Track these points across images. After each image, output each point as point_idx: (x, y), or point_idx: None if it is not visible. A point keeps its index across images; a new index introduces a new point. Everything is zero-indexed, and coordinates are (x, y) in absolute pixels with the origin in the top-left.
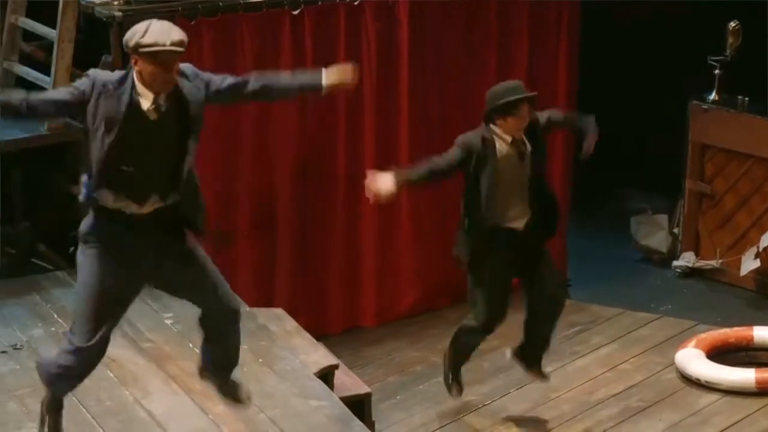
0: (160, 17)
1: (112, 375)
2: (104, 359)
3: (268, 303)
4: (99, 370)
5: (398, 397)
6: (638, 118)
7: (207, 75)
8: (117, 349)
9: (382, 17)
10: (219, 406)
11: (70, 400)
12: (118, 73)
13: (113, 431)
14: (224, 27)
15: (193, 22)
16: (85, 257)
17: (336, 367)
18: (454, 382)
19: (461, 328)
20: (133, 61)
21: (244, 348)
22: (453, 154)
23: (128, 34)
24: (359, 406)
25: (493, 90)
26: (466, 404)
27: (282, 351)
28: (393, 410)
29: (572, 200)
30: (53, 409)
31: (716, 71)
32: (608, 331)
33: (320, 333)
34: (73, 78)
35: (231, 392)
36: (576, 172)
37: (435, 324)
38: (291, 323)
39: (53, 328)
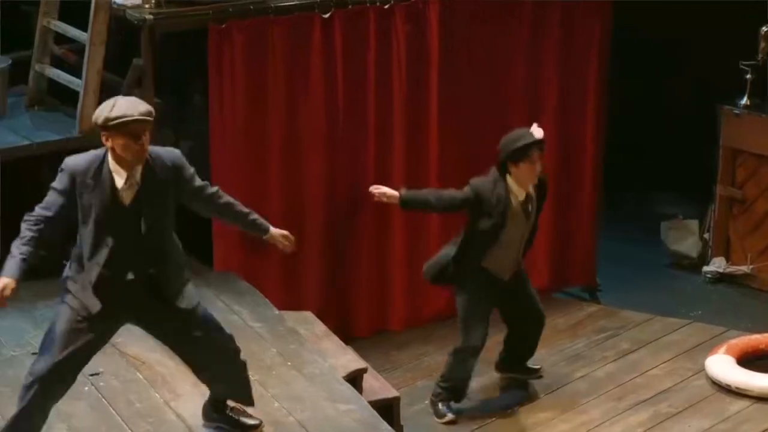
0: (191, 20)
1: (141, 377)
2: (134, 362)
3: (298, 306)
4: (129, 373)
5: (426, 402)
6: (669, 122)
7: (191, 171)
8: (147, 351)
9: (412, 20)
10: (248, 409)
11: (100, 402)
12: (92, 157)
13: None
14: (255, 30)
15: (223, 26)
16: (63, 307)
17: (365, 370)
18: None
19: (457, 357)
20: (104, 138)
21: (272, 351)
22: (463, 194)
23: (96, 113)
24: (388, 409)
25: (505, 138)
26: (494, 409)
27: (311, 354)
28: (421, 414)
29: (602, 205)
30: None
31: (747, 76)
32: (638, 337)
33: (349, 336)
34: (103, 81)
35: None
36: (606, 177)
37: None
38: (320, 326)
39: None
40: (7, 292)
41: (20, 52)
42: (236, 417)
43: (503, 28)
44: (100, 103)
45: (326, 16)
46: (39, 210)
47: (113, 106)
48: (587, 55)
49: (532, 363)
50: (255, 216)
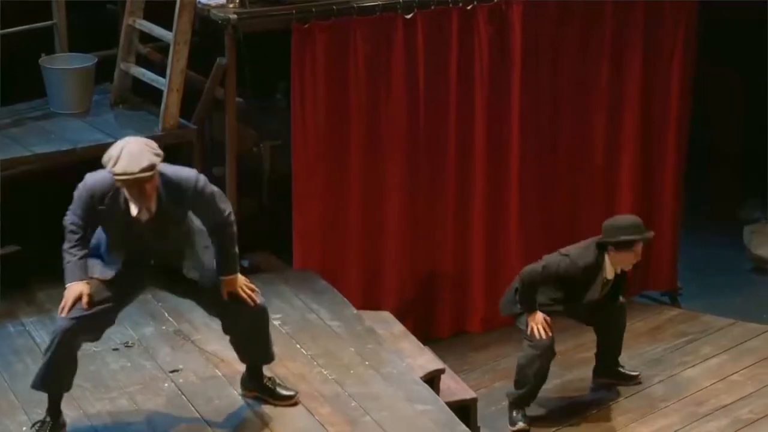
0: (275, 20)
1: (220, 374)
2: (213, 359)
3: (376, 306)
4: (208, 370)
5: (504, 404)
6: (754, 126)
7: (208, 199)
8: (226, 349)
9: (494, 21)
10: (325, 407)
11: (179, 398)
12: (107, 183)
13: (221, 430)
14: (338, 30)
15: (306, 25)
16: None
17: (442, 371)
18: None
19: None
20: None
21: (350, 350)
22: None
23: (105, 157)
24: (465, 411)
25: (615, 223)
26: (573, 412)
27: (389, 354)
28: (499, 416)
29: (684, 209)
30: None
31: None
32: (719, 342)
33: (427, 337)
34: (187, 80)
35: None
36: (689, 181)
37: None
38: (398, 327)
39: (164, 327)
40: (85, 298)
41: (106, 50)
42: (272, 387)
43: (586, 30)
44: (184, 102)
45: (409, 16)
46: (74, 218)
47: (117, 159)
48: (671, 57)
49: (629, 369)
50: (232, 257)
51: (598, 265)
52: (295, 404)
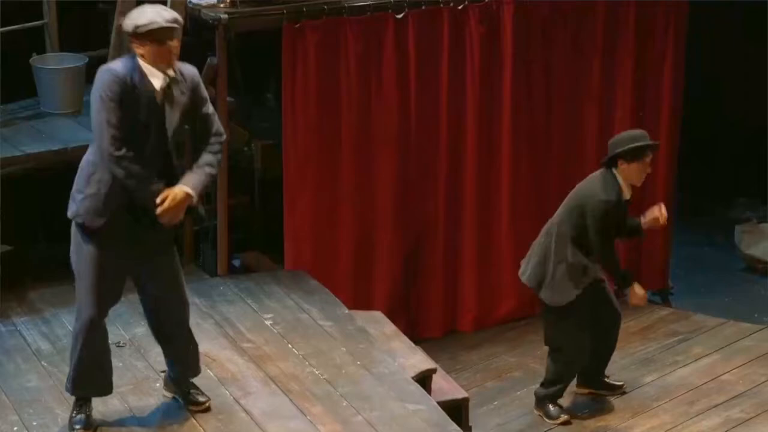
0: (265, 20)
1: (212, 374)
2: (205, 359)
3: (368, 306)
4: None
5: (495, 403)
6: (746, 126)
7: (206, 93)
8: (217, 349)
9: (485, 21)
10: (317, 407)
11: (171, 399)
12: (127, 62)
13: (213, 430)
14: (329, 30)
15: (297, 25)
16: (86, 237)
17: (434, 371)
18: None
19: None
20: (135, 46)
21: (342, 350)
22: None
23: (126, 21)
24: (456, 410)
25: (621, 136)
26: (565, 411)
27: (380, 354)
28: (490, 416)
29: (676, 208)
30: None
31: None
32: (710, 341)
33: (418, 337)
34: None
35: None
36: (681, 181)
37: (533, 330)
38: (390, 326)
39: None
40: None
41: (97, 50)
42: (187, 390)
43: (578, 30)
44: None
45: (400, 16)
46: (118, 140)
47: (141, 14)
48: (662, 56)
49: (614, 379)
50: (204, 172)
51: (620, 187)
52: (207, 410)
